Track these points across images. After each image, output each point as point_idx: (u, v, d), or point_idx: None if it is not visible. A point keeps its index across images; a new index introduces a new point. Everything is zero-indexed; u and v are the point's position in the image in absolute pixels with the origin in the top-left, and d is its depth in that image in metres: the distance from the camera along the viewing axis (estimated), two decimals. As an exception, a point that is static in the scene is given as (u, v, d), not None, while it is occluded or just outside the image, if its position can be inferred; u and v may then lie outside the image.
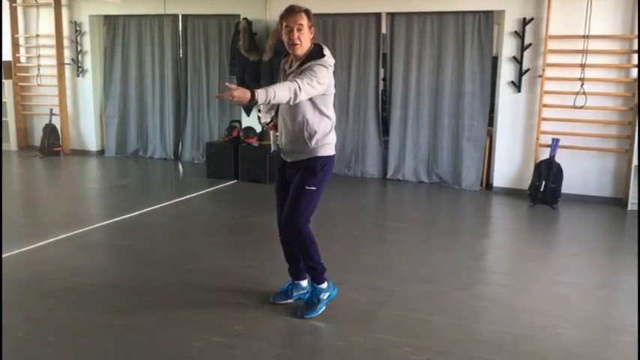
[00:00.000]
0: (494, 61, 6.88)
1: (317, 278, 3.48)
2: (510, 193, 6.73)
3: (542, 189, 6.23)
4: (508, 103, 6.68)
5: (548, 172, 6.25)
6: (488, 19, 6.76)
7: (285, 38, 3.21)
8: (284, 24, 3.19)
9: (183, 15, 8.30)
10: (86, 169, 8.27)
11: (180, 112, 8.62)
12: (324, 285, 3.51)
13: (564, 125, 6.37)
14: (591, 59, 6.19)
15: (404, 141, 7.32)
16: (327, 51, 3.26)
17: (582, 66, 6.19)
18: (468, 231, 5.60)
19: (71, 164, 8.49)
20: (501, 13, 6.60)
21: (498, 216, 6.30)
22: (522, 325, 3.41)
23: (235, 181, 7.24)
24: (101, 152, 8.97)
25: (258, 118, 3.57)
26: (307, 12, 3.21)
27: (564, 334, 3.30)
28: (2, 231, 4.59)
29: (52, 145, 8.67)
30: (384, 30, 7.33)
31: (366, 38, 7.37)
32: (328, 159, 3.37)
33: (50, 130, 8.68)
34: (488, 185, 7.00)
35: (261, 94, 2.86)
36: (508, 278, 4.31)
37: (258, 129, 7.48)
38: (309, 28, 3.21)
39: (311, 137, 3.26)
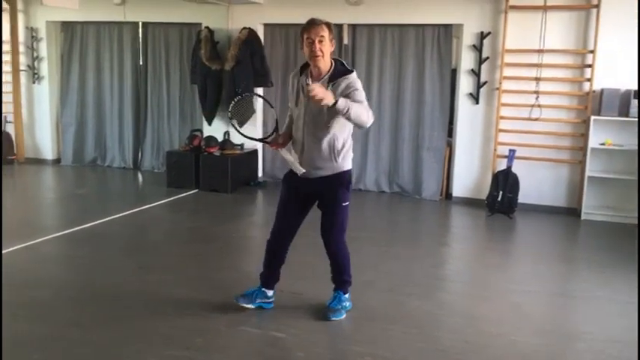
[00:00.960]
0: (454, 74, 7.02)
1: (345, 289, 3.63)
2: (469, 202, 6.85)
3: (499, 199, 6.36)
4: (467, 115, 6.82)
5: (505, 182, 6.39)
6: (447, 32, 6.90)
7: (306, 50, 3.24)
8: (305, 36, 3.23)
9: (143, 22, 8.21)
10: (42, 178, 8.06)
11: (140, 121, 8.49)
12: (347, 295, 3.65)
13: (521, 137, 6.53)
14: (546, 73, 6.38)
15: (365, 151, 7.38)
16: (350, 67, 3.35)
17: (537, 79, 6.37)
18: (428, 240, 5.68)
19: (26, 173, 8.26)
20: (460, 26, 6.74)
21: (457, 225, 6.41)
22: (480, 334, 3.47)
23: (196, 190, 7.16)
24: (57, 161, 8.76)
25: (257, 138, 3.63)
26: (328, 24, 3.26)
27: (521, 342, 3.37)
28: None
29: (5, 153, 8.43)
30: (345, 41, 7.39)
31: (329, 49, 7.40)
32: (351, 171, 3.47)
33: (4, 138, 8.43)
34: (448, 195, 7.12)
35: (341, 101, 2.95)
36: (467, 287, 4.38)
37: (220, 138, 7.43)
38: (330, 40, 3.25)
39: (339, 153, 3.33)
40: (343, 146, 3.34)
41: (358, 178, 7.45)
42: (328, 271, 3.72)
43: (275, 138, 3.50)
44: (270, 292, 3.67)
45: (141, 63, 8.37)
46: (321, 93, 2.91)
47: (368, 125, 3.14)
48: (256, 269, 4.59)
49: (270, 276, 3.66)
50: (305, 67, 3.38)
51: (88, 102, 8.57)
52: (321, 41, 3.19)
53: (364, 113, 3.06)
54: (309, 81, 3.28)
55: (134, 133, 8.51)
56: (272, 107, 3.84)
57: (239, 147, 7.51)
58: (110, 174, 8.30)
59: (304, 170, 3.34)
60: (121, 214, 5.94)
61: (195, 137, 7.42)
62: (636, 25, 6.00)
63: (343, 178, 3.39)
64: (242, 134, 3.70)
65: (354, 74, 3.27)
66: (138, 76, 8.40)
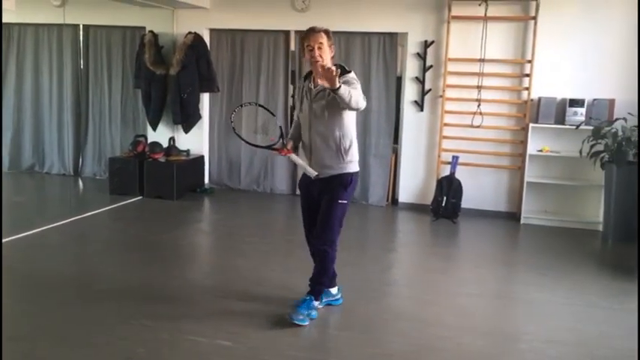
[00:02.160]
0: (399, 81, 7.14)
1: (317, 295, 3.70)
2: (414, 208, 6.97)
3: (443, 204, 6.50)
4: (412, 122, 6.94)
5: (449, 187, 6.53)
6: (392, 40, 7.01)
7: (307, 57, 3.46)
8: (305, 44, 3.42)
9: (84, 25, 7.98)
10: (-26, 186, 7.70)
11: (80, 126, 8.23)
12: (317, 303, 3.71)
13: (463, 143, 6.69)
14: (487, 81, 6.57)
15: (312, 157, 7.39)
16: (348, 68, 3.53)
17: (479, 87, 6.56)
18: (375, 245, 5.74)
19: (-43, 180, 7.87)
20: (405, 35, 6.87)
21: (403, 230, 6.50)
22: (426, 337, 3.52)
23: (140, 197, 7.00)
24: (-8, 167, 8.39)
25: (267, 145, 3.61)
26: (327, 32, 3.44)
27: (466, 344, 3.44)
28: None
29: None
30: (292, 47, 7.40)
31: (275, 55, 7.41)
32: (357, 175, 3.62)
33: None
34: (394, 200, 7.22)
35: (343, 86, 3.15)
36: (413, 291, 4.45)
37: (165, 144, 7.29)
38: (330, 46, 3.43)
39: (347, 152, 3.50)
40: (350, 145, 3.52)
41: (305, 185, 7.45)
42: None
43: (282, 144, 3.57)
44: (334, 290, 3.84)
45: (81, 67, 8.13)
46: (331, 74, 3.06)
47: (362, 108, 3.34)
48: (201, 276, 4.56)
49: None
50: (310, 73, 3.60)
51: (25, 106, 8.25)
52: (320, 47, 3.37)
53: (360, 97, 3.30)
54: (312, 85, 3.52)
55: (74, 138, 8.25)
56: (274, 115, 3.91)
57: (185, 153, 7.39)
58: (49, 181, 8.01)
59: (316, 173, 3.49)
60: (60, 222, 5.74)
61: (139, 143, 7.25)
62: (570, 37, 6.28)
63: (347, 178, 3.52)
64: (247, 142, 3.70)
65: (352, 73, 3.47)
66: (78, 80, 8.16)
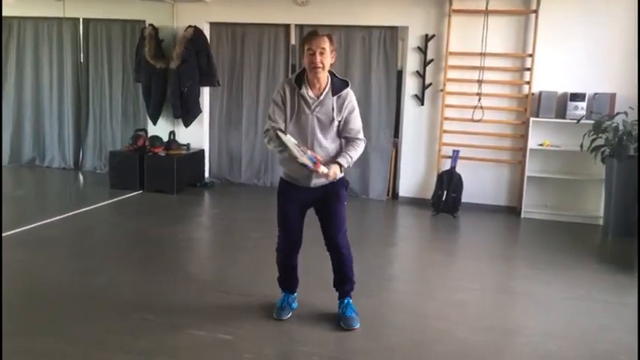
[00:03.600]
0: (399, 75, 7.13)
1: (349, 290, 3.61)
2: (415, 202, 6.97)
3: (444, 198, 6.50)
4: (412, 116, 6.93)
5: (449, 182, 6.53)
6: (393, 34, 6.99)
7: (306, 60, 3.24)
8: (306, 47, 3.22)
9: (84, 19, 7.97)
10: (-25, 180, 7.70)
11: (80, 120, 8.24)
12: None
13: (464, 137, 6.69)
14: (488, 75, 6.56)
15: (313, 151, 7.38)
16: (342, 77, 3.42)
17: (479, 82, 6.54)
18: (375, 240, 5.74)
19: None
20: (405, 29, 6.85)
21: (404, 225, 6.50)
22: (426, 331, 3.53)
23: (141, 191, 7.00)
24: (-7, 161, 8.38)
25: (301, 162, 3.12)
26: (330, 37, 3.27)
27: (465, 338, 3.45)
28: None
29: None
30: (293, 41, 7.39)
31: (276, 49, 7.40)
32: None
33: None
34: (395, 195, 7.22)
35: (344, 162, 3.25)
36: (413, 285, 4.45)
37: (165, 138, 7.29)
38: (331, 52, 3.25)
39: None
40: None
41: (306, 179, 7.45)
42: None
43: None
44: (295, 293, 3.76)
45: (82, 60, 8.12)
46: (333, 173, 3.20)
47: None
48: (201, 271, 4.56)
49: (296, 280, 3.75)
50: (299, 77, 3.31)
51: (26, 100, 8.27)
52: (322, 53, 3.19)
53: (359, 153, 3.36)
54: (311, 101, 3.27)
55: (75, 132, 8.26)
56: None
57: (185, 147, 7.39)
58: (50, 174, 8.01)
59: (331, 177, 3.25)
60: (61, 216, 5.75)
61: (139, 137, 7.25)
62: (571, 31, 6.26)
63: (342, 181, 3.47)
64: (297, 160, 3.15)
65: (349, 88, 3.35)
66: (78, 73, 8.15)
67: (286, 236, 3.56)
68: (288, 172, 3.45)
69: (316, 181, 3.37)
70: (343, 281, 3.59)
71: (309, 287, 3.97)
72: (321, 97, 3.29)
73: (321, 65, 3.20)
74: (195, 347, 3.22)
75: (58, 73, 8.16)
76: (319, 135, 3.31)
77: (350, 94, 3.34)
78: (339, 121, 3.32)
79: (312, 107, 3.29)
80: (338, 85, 3.32)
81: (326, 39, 3.23)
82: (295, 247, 3.60)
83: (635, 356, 3.26)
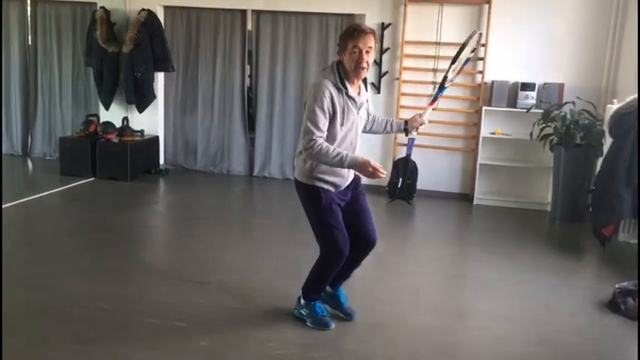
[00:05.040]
0: (356, 63, 7.14)
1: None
2: (372, 189, 6.99)
3: (399, 185, 6.59)
4: (370, 104, 6.95)
5: (405, 169, 6.62)
6: (350, 22, 7.00)
7: (349, 59, 2.96)
8: (351, 44, 2.93)
9: (32, 0, 7.69)
10: None
11: (29, 104, 7.98)
12: None
13: (419, 125, 6.76)
14: (442, 64, 6.64)
15: (270, 138, 7.37)
16: None
17: (434, 70, 6.63)
18: (331, 226, 5.77)
19: None
20: (362, 16, 6.87)
21: (360, 211, 6.56)
22: (380, 315, 3.60)
23: (93, 178, 6.84)
24: None
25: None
26: (375, 34, 3.02)
27: (416, 320, 3.54)
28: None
29: None
30: (249, 27, 7.32)
31: (232, 34, 7.31)
32: None
33: None
34: (351, 182, 7.26)
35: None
36: (368, 270, 4.47)
37: (118, 124, 7.13)
38: (374, 51, 3.07)
39: None
40: None
41: (263, 166, 7.44)
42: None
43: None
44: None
45: (30, 43, 7.85)
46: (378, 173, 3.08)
47: None
48: (156, 258, 4.51)
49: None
50: (340, 77, 3.03)
51: (-30, 83, 7.94)
52: (368, 52, 2.95)
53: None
54: (352, 92, 3.10)
55: (23, 117, 7.99)
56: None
57: (139, 133, 7.25)
58: (-4, 161, 7.75)
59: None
60: (8, 204, 5.56)
61: (91, 123, 7.07)
62: (522, 22, 6.41)
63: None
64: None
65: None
66: (27, 56, 7.88)
67: (343, 236, 3.26)
68: (332, 179, 3.29)
69: (348, 180, 3.37)
70: (351, 271, 3.58)
71: (269, 274, 3.97)
72: (360, 96, 3.15)
73: (366, 66, 2.98)
74: (152, 334, 3.19)
75: (5, 57, 7.84)
76: (357, 138, 3.31)
77: (365, 90, 3.32)
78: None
79: (358, 107, 3.14)
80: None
81: (372, 37, 2.97)
82: (345, 251, 3.33)
83: (581, 336, 3.41)
